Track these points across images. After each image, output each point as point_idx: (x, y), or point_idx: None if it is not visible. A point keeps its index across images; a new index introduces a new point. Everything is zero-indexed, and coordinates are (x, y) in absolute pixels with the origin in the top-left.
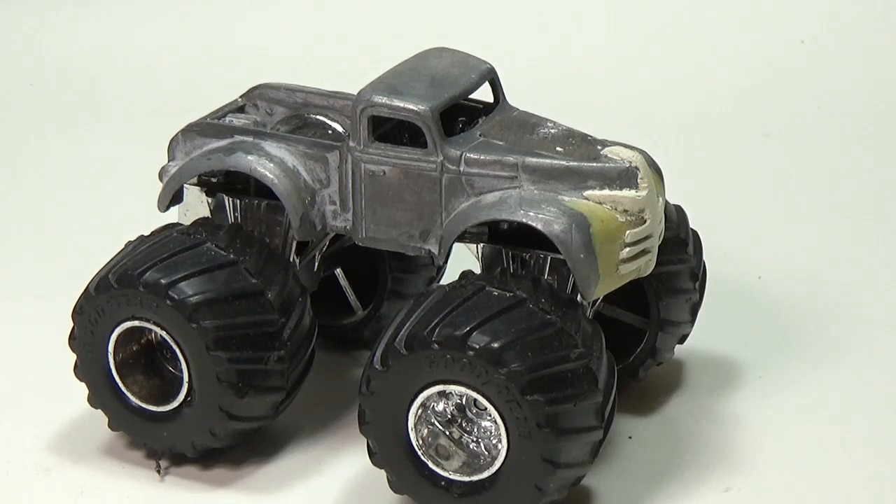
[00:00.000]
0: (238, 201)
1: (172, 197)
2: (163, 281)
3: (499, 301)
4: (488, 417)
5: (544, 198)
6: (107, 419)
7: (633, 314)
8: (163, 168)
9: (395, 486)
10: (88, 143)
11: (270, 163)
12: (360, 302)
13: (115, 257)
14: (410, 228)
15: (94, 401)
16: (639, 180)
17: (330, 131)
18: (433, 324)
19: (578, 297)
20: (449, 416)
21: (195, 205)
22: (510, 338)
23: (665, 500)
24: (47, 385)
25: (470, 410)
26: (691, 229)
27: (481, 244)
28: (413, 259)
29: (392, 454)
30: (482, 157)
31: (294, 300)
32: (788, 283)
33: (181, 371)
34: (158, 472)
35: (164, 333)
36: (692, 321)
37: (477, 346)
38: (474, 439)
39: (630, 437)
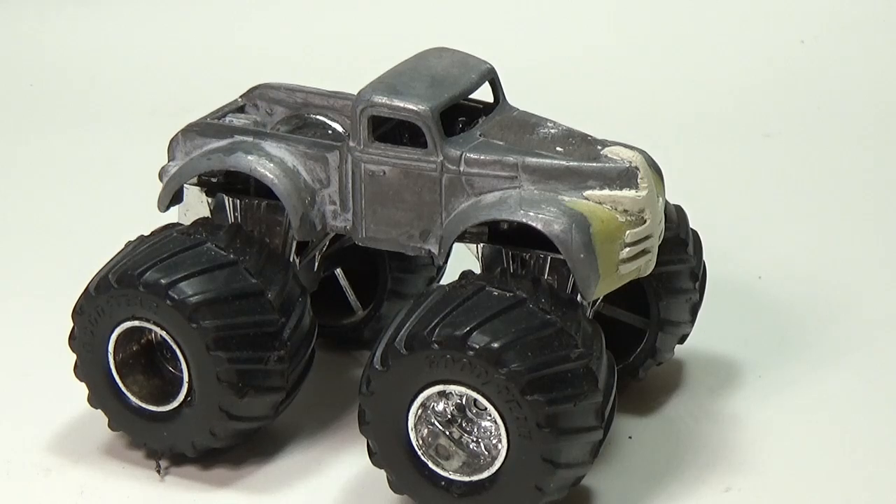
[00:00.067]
0: (238, 201)
1: (172, 197)
2: (163, 281)
3: (499, 301)
4: (488, 417)
5: (544, 198)
6: (107, 419)
7: (633, 314)
8: (163, 168)
9: (395, 486)
10: (88, 143)
11: (270, 163)
12: (360, 302)
13: (115, 257)
14: (410, 228)
15: (94, 401)
16: (639, 180)
17: (330, 131)
18: (433, 324)
19: (578, 297)
20: (449, 416)
21: (195, 205)
22: (510, 338)
23: (665, 500)
24: (47, 385)
25: (470, 410)
26: (691, 229)
27: (481, 244)
28: (413, 259)
29: (392, 454)
30: (482, 157)
31: (294, 300)
32: (788, 283)
33: (181, 371)
34: (158, 472)
35: (164, 333)
36: (692, 321)
37: (477, 346)
38: (474, 439)
39: (630, 437)
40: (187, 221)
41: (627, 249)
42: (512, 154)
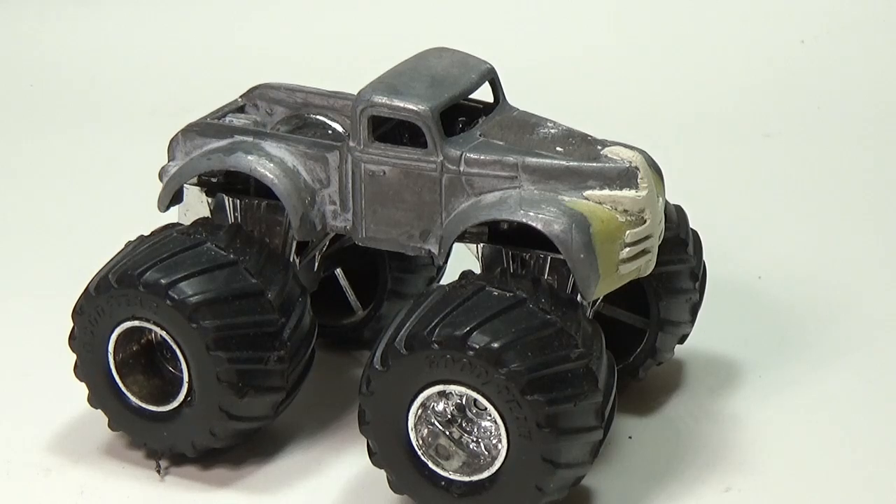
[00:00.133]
0: (238, 201)
1: (172, 197)
2: (163, 281)
3: (499, 301)
4: (488, 417)
5: (544, 198)
6: (107, 419)
7: (633, 314)
8: (163, 168)
9: (395, 486)
10: (88, 143)
11: (270, 163)
12: (360, 302)
13: (115, 257)
14: (410, 228)
15: (94, 401)
16: (639, 180)
17: (330, 131)
18: (433, 324)
19: (578, 297)
20: (449, 416)
21: (195, 205)
22: (510, 338)
23: (665, 500)
24: (47, 385)
25: (470, 410)
26: (691, 229)
27: (481, 244)
28: (413, 259)
29: (392, 454)
30: (482, 157)
31: (294, 300)
32: (788, 283)
33: (181, 371)
34: (158, 472)
35: (164, 333)
36: (692, 321)
37: (477, 346)
38: (474, 439)
39: (630, 437)
40: (187, 221)
41: (627, 249)
42: (512, 154)
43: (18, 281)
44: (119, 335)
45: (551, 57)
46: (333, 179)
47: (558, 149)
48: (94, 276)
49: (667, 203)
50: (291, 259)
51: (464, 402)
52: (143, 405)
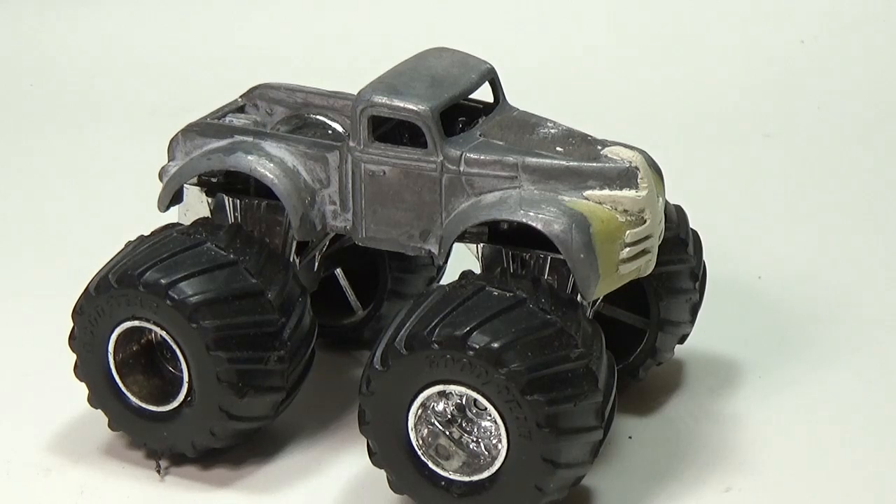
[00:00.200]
0: (238, 201)
1: (172, 197)
2: (163, 281)
3: (499, 301)
4: (488, 417)
5: (544, 198)
6: (107, 419)
7: (633, 314)
8: (163, 168)
9: (395, 486)
10: (88, 143)
11: (270, 163)
12: (360, 302)
13: (115, 257)
14: (410, 228)
15: (94, 401)
16: (639, 180)
17: (330, 131)
18: (433, 324)
19: (578, 297)
20: (449, 416)
21: (195, 205)
22: (510, 338)
23: (665, 500)
24: (47, 385)
25: (470, 410)
26: (691, 229)
27: (481, 244)
28: (413, 259)
29: (392, 454)
30: (482, 157)
31: (294, 300)
32: (788, 283)
33: (181, 371)
34: (158, 472)
35: (164, 333)
36: (692, 321)
37: (477, 346)
38: (474, 439)
39: (630, 437)
40: (187, 221)
41: (627, 249)
42: (512, 154)
43: (18, 281)
44: (119, 335)
45: (551, 57)
46: (333, 179)
47: (558, 149)
48: (94, 276)
49: (667, 203)
50: (291, 259)
51: (464, 402)
52: (143, 405)
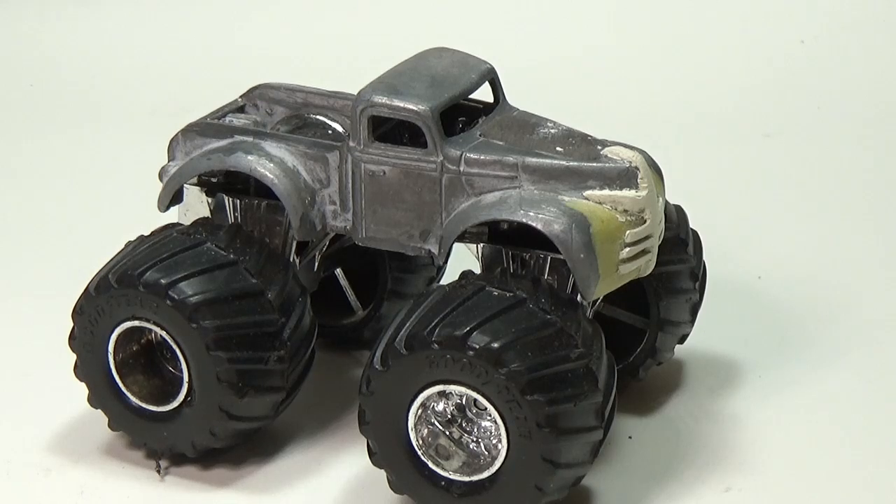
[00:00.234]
0: (238, 201)
1: (172, 197)
2: (163, 281)
3: (499, 301)
4: (488, 417)
5: (544, 198)
6: (107, 419)
7: (633, 314)
8: (163, 168)
9: (395, 486)
10: (88, 143)
11: (270, 163)
12: (360, 302)
13: (115, 257)
14: (410, 228)
15: (94, 401)
16: (639, 180)
17: (330, 131)
18: (433, 324)
19: (578, 297)
20: (449, 416)
21: (195, 205)
22: (510, 338)
23: (665, 500)
24: (47, 385)
25: (470, 410)
26: (691, 229)
27: (481, 244)
28: (413, 259)
29: (392, 454)
30: (482, 157)
31: (294, 300)
32: (788, 283)
33: (181, 371)
34: (158, 472)
35: (164, 333)
36: (692, 321)
37: (477, 346)
38: (474, 439)
39: (630, 437)
40: (187, 221)
41: (627, 249)
42: (512, 154)
43: (18, 281)
44: (119, 335)
45: (551, 57)
46: (333, 179)
47: (558, 149)
48: (94, 276)
49: (667, 203)
50: (291, 259)
51: (464, 402)
52: (143, 405)
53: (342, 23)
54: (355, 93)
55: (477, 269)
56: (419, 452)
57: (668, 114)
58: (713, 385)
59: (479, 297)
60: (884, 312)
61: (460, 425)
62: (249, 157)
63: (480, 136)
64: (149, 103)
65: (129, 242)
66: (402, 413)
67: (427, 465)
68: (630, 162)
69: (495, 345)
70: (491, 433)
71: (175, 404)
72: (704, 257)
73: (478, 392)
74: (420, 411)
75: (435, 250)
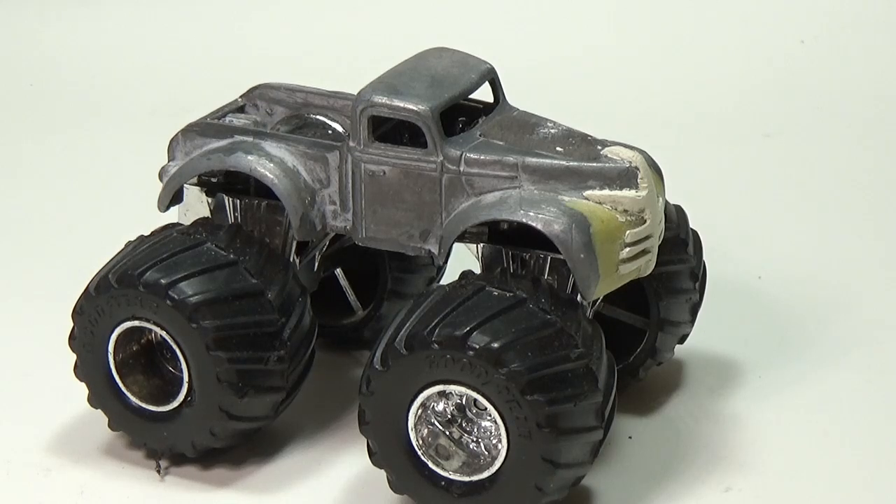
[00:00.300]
0: (238, 201)
1: (172, 197)
2: (163, 281)
3: (499, 301)
4: (488, 417)
5: (544, 198)
6: (107, 419)
7: (633, 314)
8: (163, 168)
9: (395, 486)
10: (88, 143)
11: (270, 163)
12: (360, 302)
13: (115, 257)
14: (410, 228)
15: (94, 401)
16: (639, 180)
17: (330, 131)
18: (433, 324)
19: (578, 297)
20: (449, 416)
21: (195, 205)
22: (510, 338)
23: (665, 500)
24: (47, 385)
25: (470, 410)
26: (691, 229)
27: (481, 244)
28: (413, 259)
29: (392, 454)
30: (482, 157)
31: (294, 300)
32: (788, 283)
33: (181, 371)
34: (158, 472)
35: (164, 333)
36: (692, 321)
37: (477, 346)
38: (474, 439)
39: (630, 437)
40: (187, 221)
41: (627, 249)
42: (512, 154)
43: (18, 281)
44: (119, 335)
45: (551, 57)
46: (333, 179)
47: (558, 149)
48: (94, 276)
49: (667, 203)
50: (291, 259)
51: (464, 402)
52: (143, 405)
53: (342, 23)
54: (355, 93)
55: (477, 269)
56: (419, 452)
57: (668, 114)
58: (713, 385)
59: (479, 297)
60: (884, 312)
61: (460, 425)
62: (249, 157)
63: (480, 136)
64: (149, 103)
65: (129, 242)
66: (402, 413)
67: (427, 465)
68: (630, 162)
69: (495, 345)
70: (491, 433)
71: (175, 404)
72: (704, 257)
73: (478, 392)
74: (420, 411)
75: (435, 250)
